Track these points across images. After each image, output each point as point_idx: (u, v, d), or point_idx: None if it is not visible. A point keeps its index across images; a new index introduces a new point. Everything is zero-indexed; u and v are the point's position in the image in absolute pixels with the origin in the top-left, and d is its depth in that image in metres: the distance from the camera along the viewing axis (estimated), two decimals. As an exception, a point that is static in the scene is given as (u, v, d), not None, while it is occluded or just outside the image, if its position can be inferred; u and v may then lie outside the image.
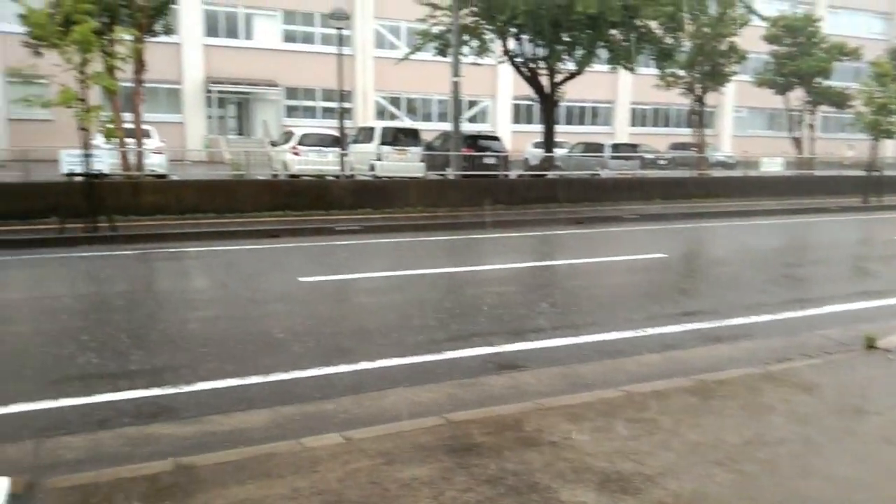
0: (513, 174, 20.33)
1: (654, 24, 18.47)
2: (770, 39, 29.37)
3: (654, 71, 22.98)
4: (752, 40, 25.25)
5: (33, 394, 4.39)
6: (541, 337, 5.91)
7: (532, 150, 27.96)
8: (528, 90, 21.25)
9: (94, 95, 12.31)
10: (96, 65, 11.75)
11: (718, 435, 3.60)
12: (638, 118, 41.64)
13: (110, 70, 12.92)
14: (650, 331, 6.15)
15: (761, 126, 43.74)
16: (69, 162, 12.36)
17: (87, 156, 11.55)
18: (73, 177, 11.76)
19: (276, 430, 3.86)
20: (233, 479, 3.08)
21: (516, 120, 38.00)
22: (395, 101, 35.93)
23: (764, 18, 26.20)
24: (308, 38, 33.56)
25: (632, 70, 19.98)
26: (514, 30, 18.65)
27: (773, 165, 23.66)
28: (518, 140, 32.74)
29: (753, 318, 6.65)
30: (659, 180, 21.31)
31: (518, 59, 19.71)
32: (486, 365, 5.20)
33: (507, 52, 19.64)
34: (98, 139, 12.90)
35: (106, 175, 12.62)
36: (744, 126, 43.54)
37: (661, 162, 28.79)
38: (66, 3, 11.19)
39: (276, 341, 5.70)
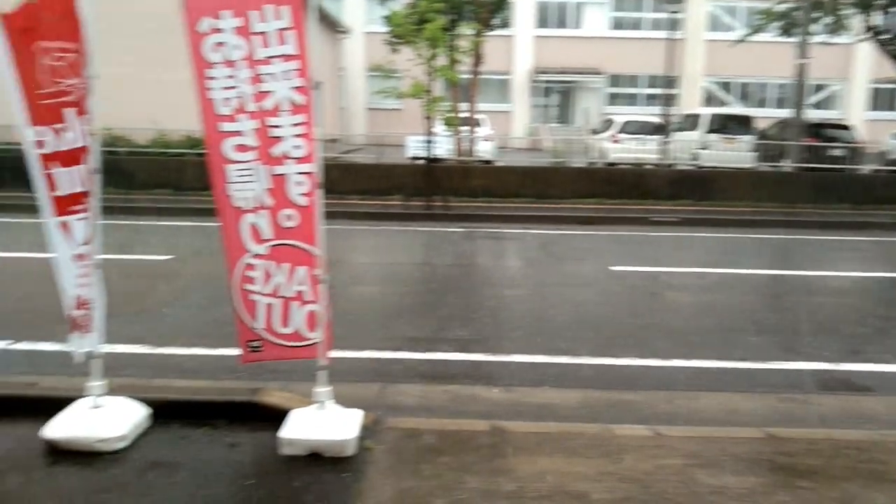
0: (866, 168, 17.59)
1: None
2: None
3: None
4: None
5: (381, 343, 5.13)
6: (889, 359, 5.09)
7: (893, 142, 23.89)
8: (892, 72, 18.13)
9: (437, 87, 13.69)
10: (441, 59, 13.06)
11: None
12: None
13: (453, 63, 14.24)
14: None
15: None
16: (414, 147, 13.97)
17: (429, 142, 12.93)
18: (416, 160, 13.29)
19: (584, 410, 3.94)
20: (540, 450, 3.25)
21: (874, 107, 32.65)
22: (725, 86, 33.48)
23: None
24: (636, 24, 32.88)
25: None
26: (882, 1, 16.03)
27: None
28: (875, 129, 28.12)
29: None
30: None
31: (885, 36, 16.91)
32: (815, 382, 4.66)
33: (870, 27, 16.98)
34: (438, 127, 14.34)
35: (443, 159, 14.00)
36: None
37: None
38: (422, 3, 12.61)
39: (583, 325, 5.79)
